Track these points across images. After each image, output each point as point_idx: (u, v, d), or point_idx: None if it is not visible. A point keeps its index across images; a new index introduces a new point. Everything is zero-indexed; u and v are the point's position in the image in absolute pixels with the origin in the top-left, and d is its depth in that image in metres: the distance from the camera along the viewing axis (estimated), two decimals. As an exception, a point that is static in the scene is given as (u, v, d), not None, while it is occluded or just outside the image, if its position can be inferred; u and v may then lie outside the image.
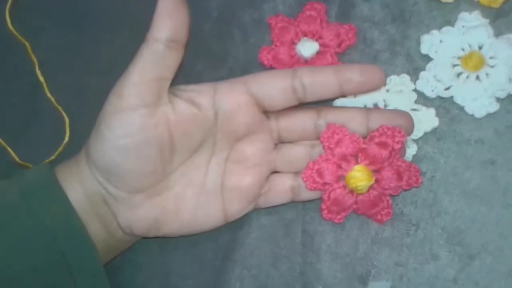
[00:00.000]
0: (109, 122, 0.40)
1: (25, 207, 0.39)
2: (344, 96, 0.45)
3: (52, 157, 0.49)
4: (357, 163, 0.42)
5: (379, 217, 0.43)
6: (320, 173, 0.42)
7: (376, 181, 0.42)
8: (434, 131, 0.45)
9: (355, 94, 0.45)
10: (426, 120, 0.45)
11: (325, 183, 0.42)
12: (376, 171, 0.42)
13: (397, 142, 0.42)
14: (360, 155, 0.42)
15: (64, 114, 0.50)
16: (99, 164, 0.40)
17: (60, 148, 0.49)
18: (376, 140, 0.42)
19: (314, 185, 0.42)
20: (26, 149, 0.50)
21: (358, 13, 0.49)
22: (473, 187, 0.44)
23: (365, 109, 0.44)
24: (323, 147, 0.43)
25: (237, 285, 0.45)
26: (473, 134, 0.45)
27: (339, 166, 0.42)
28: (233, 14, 0.50)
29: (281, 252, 0.45)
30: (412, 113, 0.45)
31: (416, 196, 0.44)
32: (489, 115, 0.45)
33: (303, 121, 0.44)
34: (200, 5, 0.51)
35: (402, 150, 0.43)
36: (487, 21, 0.46)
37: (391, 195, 0.43)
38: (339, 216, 0.43)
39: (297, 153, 0.44)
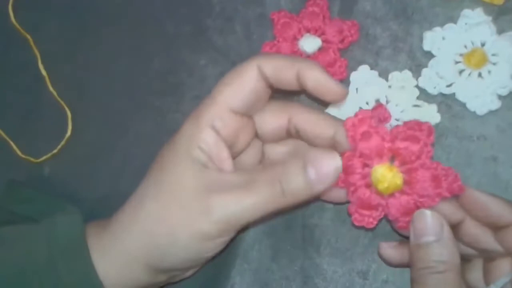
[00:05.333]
0: (187, 244, 0.39)
1: (50, 271, 0.39)
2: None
3: (55, 151, 0.49)
4: (383, 160, 0.39)
5: (409, 227, 0.39)
6: (345, 169, 0.39)
7: (410, 184, 0.38)
8: (436, 127, 0.45)
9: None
10: (428, 116, 0.45)
11: (347, 181, 0.39)
12: (408, 173, 0.38)
13: (428, 135, 0.38)
14: (384, 151, 0.39)
15: (66, 108, 0.50)
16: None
17: (63, 142, 0.50)
18: (403, 134, 0.38)
19: (340, 183, 0.39)
20: (28, 143, 0.50)
21: (360, 9, 0.49)
22: (475, 183, 0.44)
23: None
24: (347, 136, 0.39)
25: (237, 279, 0.45)
26: (475, 130, 0.45)
27: (365, 164, 0.39)
28: (235, 10, 0.50)
29: (282, 246, 0.45)
30: (414, 109, 0.45)
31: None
32: (491, 112, 0.45)
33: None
34: (203, 0, 0.51)
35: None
36: (490, 18, 0.46)
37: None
38: (369, 220, 0.39)
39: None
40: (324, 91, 0.39)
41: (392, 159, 0.39)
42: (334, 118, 0.41)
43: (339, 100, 0.40)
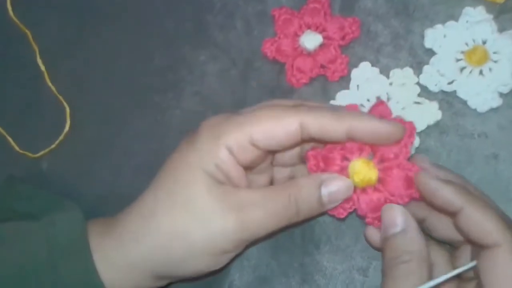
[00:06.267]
0: (202, 259, 0.39)
1: (50, 270, 0.39)
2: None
3: (53, 146, 0.49)
4: (363, 155, 0.40)
5: (375, 223, 0.40)
6: (325, 160, 0.40)
7: (383, 182, 0.40)
8: (437, 124, 0.45)
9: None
10: (429, 113, 0.45)
11: (326, 171, 0.40)
12: (384, 171, 0.40)
13: (409, 136, 0.39)
14: (366, 147, 0.40)
15: (64, 103, 0.50)
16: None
17: (61, 137, 0.49)
18: None
19: (315, 168, 0.40)
20: (26, 138, 0.50)
21: (362, 6, 0.48)
22: (476, 181, 0.44)
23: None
24: None
25: (237, 276, 0.45)
26: (476, 128, 0.45)
27: (345, 157, 0.40)
28: (236, 6, 0.50)
29: (281, 243, 0.45)
30: (415, 106, 0.45)
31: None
32: (492, 110, 0.45)
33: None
34: (204, -4, 0.51)
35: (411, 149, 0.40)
36: (491, 16, 0.46)
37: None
38: (339, 210, 0.41)
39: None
40: (383, 138, 0.39)
41: (371, 156, 0.40)
42: (341, 113, 0.39)
43: (400, 138, 0.39)
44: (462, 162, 0.44)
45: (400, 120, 0.40)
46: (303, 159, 0.43)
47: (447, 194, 0.37)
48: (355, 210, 0.41)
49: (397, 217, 0.38)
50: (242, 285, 0.45)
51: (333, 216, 0.41)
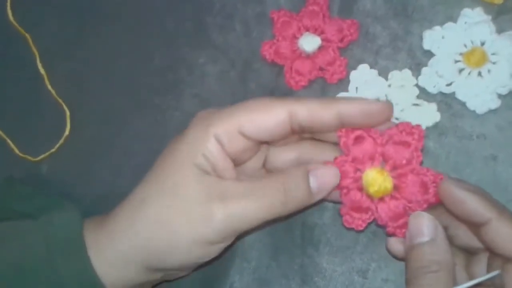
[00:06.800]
0: (189, 249, 0.39)
1: (48, 267, 0.39)
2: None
3: (53, 150, 0.49)
4: (375, 164, 0.40)
5: (397, 232, 0.39)
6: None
7: (399, 189, 0.39)
8: (435, 126, 0.45)
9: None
10: (427, 115, 0.45)
11: (339, 185, 0.40)
12: (398, 178, 0.40)
13: (418, 140, 0.39)
14: (376, 155, 0.40)
15: (64, 106, 0.50)
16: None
17: (61, 141, 0.49)
18: (396, 138, 0.39)
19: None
20: (27, 142, 0.50)
21: (360, 8, 0.49)
22: (475, 182, 0.43)
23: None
24: (339, 143, 0.40)
25: (237, 277, 0.45)
26: (474, 129, 0.45)
27: (357, 169, 0.40)
28: (235, 8, 0.50)
29: (281, 245, 0.45)
30: (414, 108, 0.45)
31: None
32: (490, 111, 0.45)
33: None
34: (203, -2, 0.51)
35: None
36: (490, 17, 0.46)
37: None
38: (358, 222, 0.40)
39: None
40: (374, 117, 0.39)
41: (383, 164, 0.40)
42: (329, 100, 0.40)
43: (390, 115, 0.40)
44: (460, 163, 0.44)
45: (407, 124, 0.39)
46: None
47: (476, 205, 0.37)
48: (374, 220, 0.40)
49: (425, 226, 0.38)
50: (242, 287, 0.45)
51: (351, 229, 0.40)
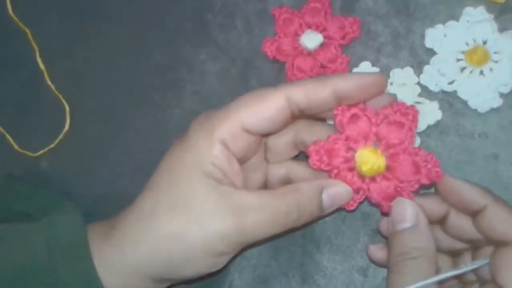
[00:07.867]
0: (202, 261, 0.39)
1: (50, 271, 0.38)
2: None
3: (52, 145, 0.49)
4: (368, 143, 0.40)
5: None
6: (329, 153, 0.40)
7: (391, 169, 0.39)
8: (437, 124, 0.45)
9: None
10: (429, 113, 0.45)
11: (330, 165, 0.40)
12: (390, 158, 0.40)
13: (412, 120, 0.39)
14: (370, 135, 0.40)
15: (64, 102, 0.50)
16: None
17: (61, 136, 0.49)
18: (390, 118, 0.39)
19: (319, 163, 0.40)
20: (26, 137, 0.50)
21: (362, 6, 0.48)
22: (476, 181, 0.43)
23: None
24: (334, 121, 0.40)
25: (237, 275, 0.45)
26: (476, 128, 0.45)
27: (349, 148, 0.40)
28: (236, 5, 0.50)
29: (281, 243, 0.45)
30: (416, 106, 0.45)
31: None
32: (492, 110, 0.45)
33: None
34: (204, -5, 0.51)
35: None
36: (492, 16, 0.46)
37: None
38: (350, 202, 0.40)
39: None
40: (371, 88, 0.39)
41: (376, 143, 0.40)
42: (323, 78, 0.40)
43: (385, 84, 0.40)
44: (462, 162, 0.44)
45: (402, 104, 0.40)
46: (298, 147, 0.42)
47: (471, 193, 0.38)
48: (366, 199, 0.40)
49: (407, 212, 0.38)
50: (242, 285, 0.45)
51: (343, 209, 0.40)
